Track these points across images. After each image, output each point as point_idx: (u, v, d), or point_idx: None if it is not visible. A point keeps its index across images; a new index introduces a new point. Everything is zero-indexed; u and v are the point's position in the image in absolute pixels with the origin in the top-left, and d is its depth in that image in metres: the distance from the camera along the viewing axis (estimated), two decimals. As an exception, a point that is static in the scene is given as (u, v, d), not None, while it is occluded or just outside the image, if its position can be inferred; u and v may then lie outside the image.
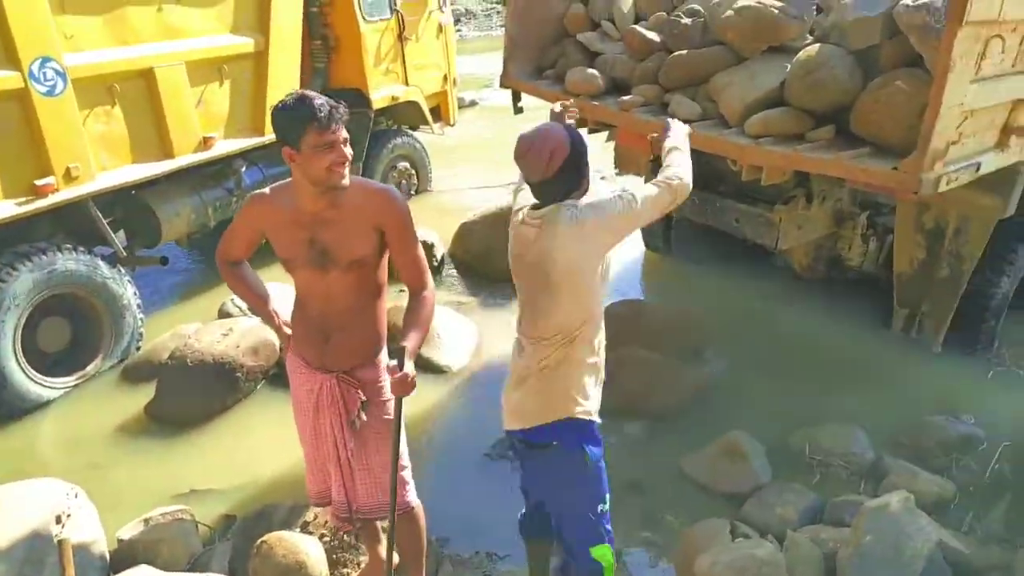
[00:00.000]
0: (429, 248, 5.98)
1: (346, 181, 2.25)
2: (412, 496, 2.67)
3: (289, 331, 2.59)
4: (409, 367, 2.21)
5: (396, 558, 2.98)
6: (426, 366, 4.58)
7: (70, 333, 4.64)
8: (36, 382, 4.36)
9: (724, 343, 4.61)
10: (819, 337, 4.60)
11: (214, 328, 4.60)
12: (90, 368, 4.64)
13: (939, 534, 2.68)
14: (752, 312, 4.98)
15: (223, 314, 5.13)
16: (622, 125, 4.22)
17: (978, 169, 3.14)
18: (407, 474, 2.70)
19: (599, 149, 4.90)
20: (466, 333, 4.99)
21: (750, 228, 4.10)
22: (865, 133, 3.29)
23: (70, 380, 4.55)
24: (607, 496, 2.34)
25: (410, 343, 2.28)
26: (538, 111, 4.17)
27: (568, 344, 2.22)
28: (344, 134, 2.20)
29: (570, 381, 2.25)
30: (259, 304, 2.58)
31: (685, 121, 3.84)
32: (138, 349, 4.87)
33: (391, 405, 2.59)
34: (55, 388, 4.47)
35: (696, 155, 4.35)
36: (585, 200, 2.17)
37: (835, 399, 3.94)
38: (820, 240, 4.52)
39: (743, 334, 4.71)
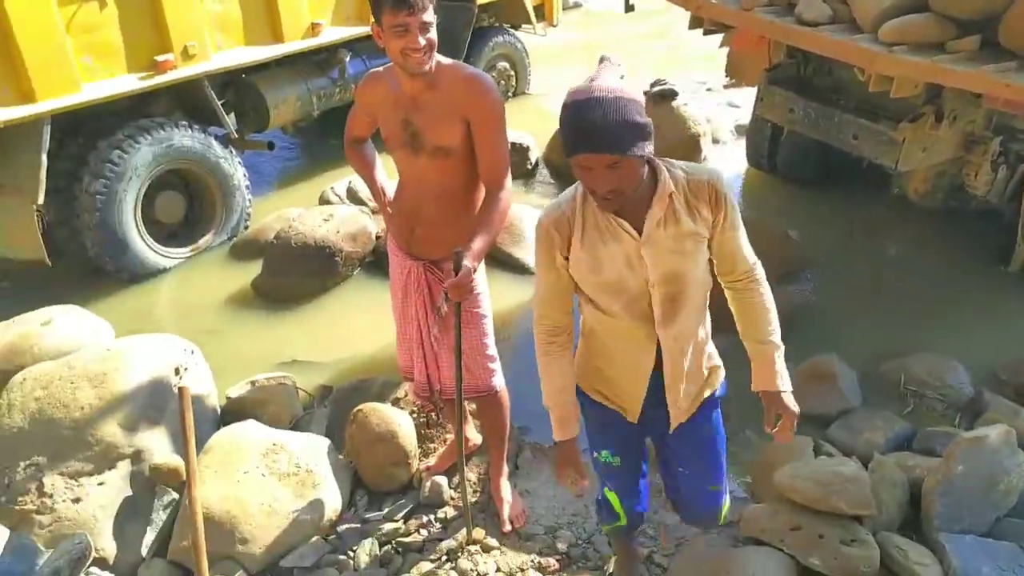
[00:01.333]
0: (524, 151, 5.94)
1: (426, 67, 2.21)
2: (498, 380, 2.76)
3: (389, 210, 2.66)
4: (468, 270, 2.18)
5: (479, 439, 3.13)
6: (514, 265, 4.65)
7: (185, 207, 4.92)
8: (154, 251, 4.68)
9: (822, 267, 4.45)
10: (925, 269, 4.37)
11: (315, 213, 4.77)
12: (202, 242, 4.93)
13: (1037, 473, 2.59)
14: (858, 238, 4.76)
15: (324, 201, 5.31)
16: (740, 26, 3.98)
17: None
18: (494, 364, 2.79)
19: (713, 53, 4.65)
20: (556, 237, 5.00)
21: (869, 146, 3.86)
22: (1014, 46, 3.00)
23: (184, 252, 4.86)
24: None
25: (474, 245, 2.26)
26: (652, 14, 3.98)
27: None
28: (424, 19, 2.13)
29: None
30: (371, 181, 2.66)
31: (812, 24, 3.61)
32: (246, 228, 5.13)
33: (480, 298, 2.66)
34: (171, 258, 4.78)
35: (819, 62, 4.12)
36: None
37: (936, 332, 3.77)
38: (943, 165, 4.23)
39: (843, 259, 4.53)
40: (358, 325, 4.17)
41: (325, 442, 3.01)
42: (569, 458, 1.96)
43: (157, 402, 2.92)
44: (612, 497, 2.15)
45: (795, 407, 1.90)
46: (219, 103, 4.95)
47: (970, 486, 2.44)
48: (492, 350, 2.75)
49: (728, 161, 5.90)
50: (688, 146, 5.65)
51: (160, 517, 2.72)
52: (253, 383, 3.41)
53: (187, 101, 4.93)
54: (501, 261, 4.65)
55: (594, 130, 1.48)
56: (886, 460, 2.63)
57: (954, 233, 4.56)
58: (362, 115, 2.54)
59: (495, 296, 2.74)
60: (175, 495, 2.75)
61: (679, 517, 2.34)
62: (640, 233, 1.68)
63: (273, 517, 2.68)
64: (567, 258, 1.75)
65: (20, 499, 2.61)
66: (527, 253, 4.72)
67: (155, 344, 3.14)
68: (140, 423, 2.82)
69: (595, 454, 2.10)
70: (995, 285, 4.11)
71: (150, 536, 2.67)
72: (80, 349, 3.20)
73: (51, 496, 2.62)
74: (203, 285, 4.63)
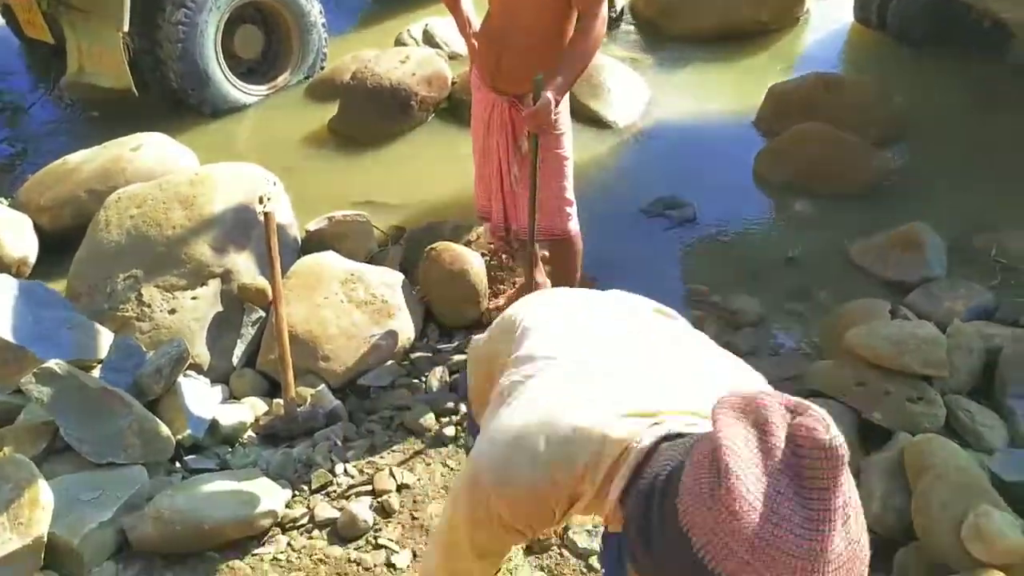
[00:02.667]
0: (609, -4, 5.61)
1: None
2: (573, 224, 2.76)
3: (475, 43, 2.59)
4: (548, 101, 2.12)
5: (549, 283, 3.19)
6: (592, 119, 4.51)
7: (263, 43, 4.89)
8: (233, 85, 4.71)
9: (923, 133, 4.19)
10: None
11: (392, 55, 4.68)
12: (280, 80, 4.93)
13: (1126, 351, 2.49)
14: (963, 107, 4.42)
15: (399, 43, 5.19)
16: None
17: None
18: (571, 208, 2.78)
19: None
20: (637, 90, 4.80)
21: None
22: None
23: (262, 89, 4.88)
24: None
25: (559, 76, 2.18)
26: None
27: None
28: None
29: None
30: (456, 11, 2.57)
31: None
32: (322, 68, 5.08)
33: (562, 139, 2.61)
34: (250, 94, 4.81)
35: None
36: None
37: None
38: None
39: (949, 127, 4.23)
40: (431, 170, 4.18)
41: (399, 277, 3.12)
42: None
43: (243, 226, 3.04)
44: None
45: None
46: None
47: (1052, 356, 2.38)
48: (570, 194, 2.73)
49: (832, 14, 5.46)
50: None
51: (249, 332, 2.90)
52: (330, 218, 3.50)
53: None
54: (576, 112, 4.52)
55: None
56: (965, 326, 2.57)
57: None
58: None
59: (578, 146, 2.69)
60: (262, 313, 2.92)
61: None
62: None
63: (352, 340, 2.83)
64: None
65: (121, 307, 2.82)
66: (605, 106, 4.57)
67: (240, 171, 3.23)
68: (228, 245, 2.96)
69: None
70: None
71: (240, 348, 2.87)
72: (168, 174, 3.32)
73: (149, 306, 2.82)
74: (281, 123, 4.67)
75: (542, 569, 2.10)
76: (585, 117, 4.52)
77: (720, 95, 4.86)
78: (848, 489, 0.70)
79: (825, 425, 0.69)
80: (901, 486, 2.05)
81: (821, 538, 0.66)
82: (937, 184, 3.82)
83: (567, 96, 2.49)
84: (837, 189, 3.72)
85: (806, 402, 0.73)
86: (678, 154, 4.28)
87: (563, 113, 2.57)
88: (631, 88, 4.77)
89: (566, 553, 2.12)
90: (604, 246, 3.47)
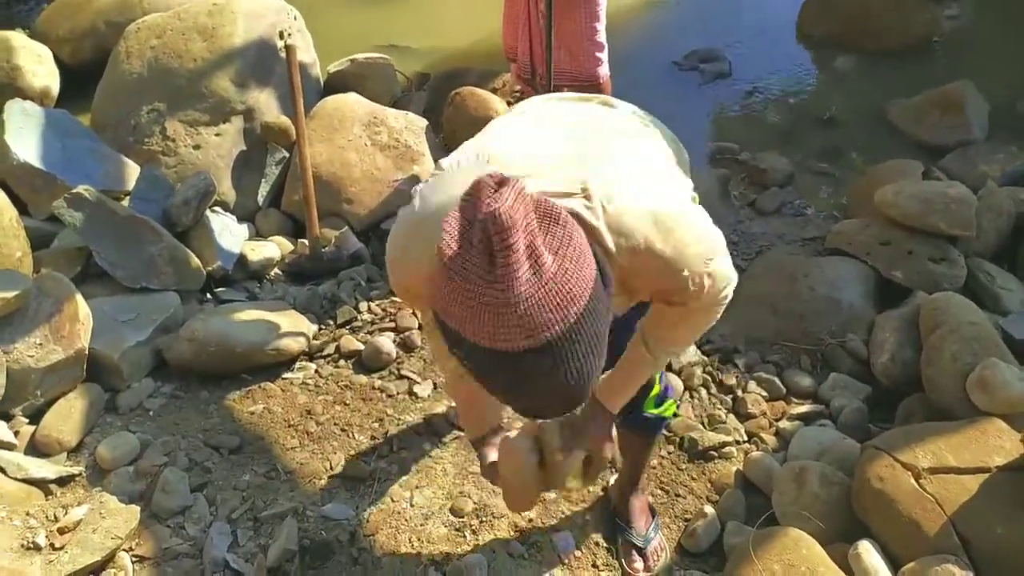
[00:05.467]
0: None
1: None
2: (603, 70, 2.67)
3: None
4: None
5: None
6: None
7: None
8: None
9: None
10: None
11: None
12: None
13: None
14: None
15: None
16: None
17: None
18: (602, 53, 2.67)
19: None
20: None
21: None
22: None
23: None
24: None
25: None
26: None
27: None
28: None
29: None
30: None
31: None
32: None
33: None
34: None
35: None
36: None
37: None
38: None
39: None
40: (457, 13, 4.02)
41: (423, 122, 3.06)
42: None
43: (265, 62, 2.97)
44: None
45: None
46: None
47: (1085, 222, 2.34)
48: (602, 37, 2.62)
49: None
50: None
51: (273, 172, 2.91)
52: (353, 60, 3.40)
53: None
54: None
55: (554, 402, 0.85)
56: (998, 189, 2.52)
57: None
58: None
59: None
60: (285, 153, 2.91)
61: None
62: None
63: (375, 183, 2.83)
64: None
65: (146, 140, 2.82)
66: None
67: (261, 2, 3.10)
68: (250, 81, 2.90)
69: None
70: None
71: (264, 188, 2.88)
72: (187, 3, 3.20)
73: (173, 140, 2.81)
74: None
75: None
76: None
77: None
78: (532, 249, 0.76)
79: (502, 197, 0.75)
80: (912, 340, 2.09)
81: (501, 286, 0.75)
82: (990, 44, 3.62)
83: None
84: (884, 45, 3.54)
85: (512, 177, 0.78)
86: (718, 2, 4.05)
87: None
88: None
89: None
90: (632, 98, 3.36)
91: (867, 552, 1.61)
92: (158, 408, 2.11)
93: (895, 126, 3.25)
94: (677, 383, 2.24)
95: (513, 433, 1.25)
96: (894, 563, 1.61)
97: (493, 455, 1.30)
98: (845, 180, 3.04)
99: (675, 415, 2.07)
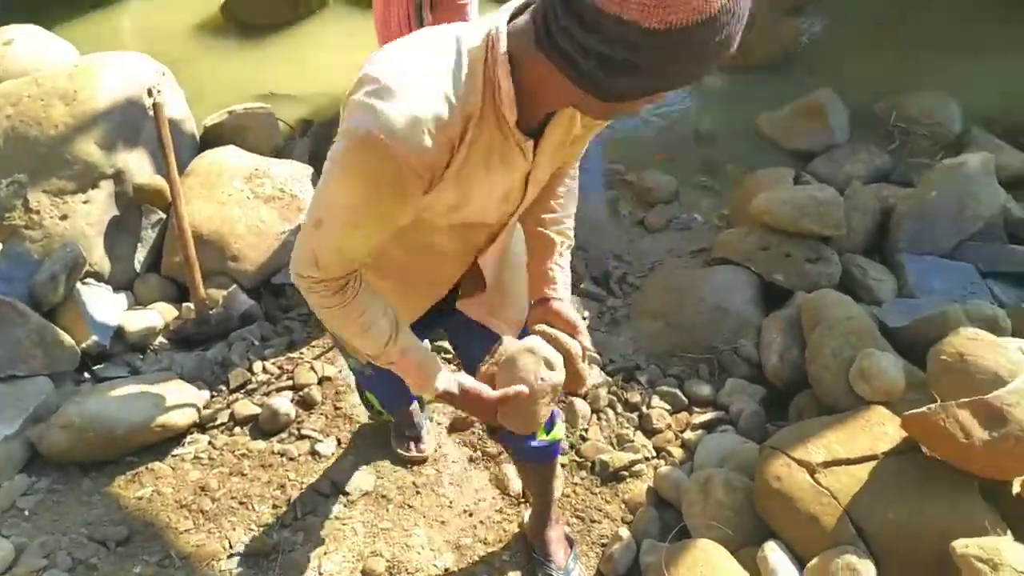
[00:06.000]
0: None
1: None
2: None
3: None
4: None
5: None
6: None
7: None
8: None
9: (829, 1, 4.18)
10: (942, 6, 4.11)
11: (284, -69, 4.33)
12: (162, -36, 4.53)
13: (1008, 203, 2.65)
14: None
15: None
16: None
17: None
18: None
19: None
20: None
21: None
22: None
23: (144, -26, 4.48)
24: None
25: None
26: None
27: None
28: None
29: None
30: None
31: None
32: (208, -52, 4.68)
33: (469, 8, 2.49)
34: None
35: None
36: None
37: (936, 72, 3.64)
38: None
39: (856, -5, 4.24)
40: (337, 56, 3.98)
41: (308, 169, 3.01)
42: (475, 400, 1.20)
43: (132, 122, 2.85)
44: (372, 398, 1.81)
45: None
46: None
47: (939, 210, 2.50)
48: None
49: None
50: None
51: (149, 235, 2.78)
52: (231, 112, 3.31)
53: None
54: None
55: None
56: (862, 188, 2.67)
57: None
58: None
59: None
60: (162, 214, 2.79)
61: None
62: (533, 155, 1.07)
63: (262, 237, 2.75)
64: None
65: (7, 215, 2.64)
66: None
67: (125, 62, 2.99)
68: (117, 143, 2.77)
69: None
70: (1002, 31, 3.90)
71: (141, 253, 2.75)
72: (45, 69, 3.05)
73: (37, 212, 2.65)
74: (169, 9, 4.33)
75: (466, 445, 2.18)
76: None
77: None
78: None
79: None
80: (797, 339, 2.17)
81: None
82: (844, 51, 3.87)
83: None
84: (750, 61, 3.72)
85: None
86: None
87: None
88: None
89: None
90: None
91: (772, 552, 1.64)
92: (34, 506, 1.95)
93: (766, 136, 3.41)
94: (584, 407, 2.25)
95: (512, 345, 1.17)
96: (800, 560, 1.65)
97: (486, 389, 1.16)
98: (725, 191, 3.16)
99: (568, 437, 2.09)
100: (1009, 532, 1.52)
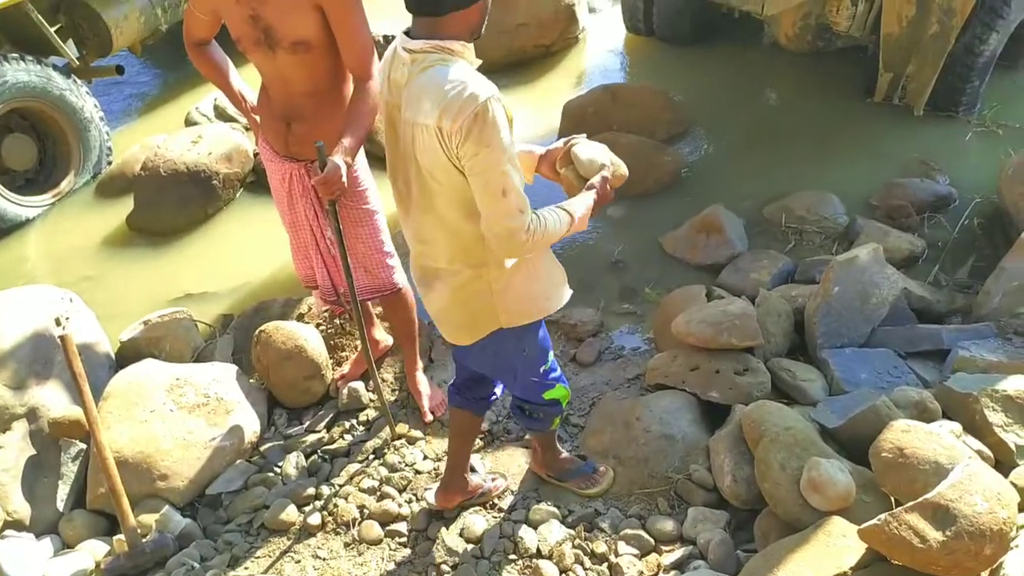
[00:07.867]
0: (390, 42, 5.67)
1: None
2: (399, 276, 2.74)
3: (256, 117, 2.52)
4: (335, 166, 2.08)
5: (390, 339, 3.14)
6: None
7: (37, 151, 4.52)
8: (11, 201, 4.30)
9: (707, 123, 4.54)
10: (802, 112, 4.53)
11: (183, 137, 4.47)
12: (64, 185, 4.56)
13: (905, 283, 2.81)
14: (737, 91, 4.85)
15: (189, 122, 4.97)
16: None
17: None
18: (392, 260, 2.76)
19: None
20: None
21: (734, -5, 3.87)
22: None
23: (46, 199, 4.50)
24: (550, 354, 2.08)
25: (345, 140, 2.16)
26: None
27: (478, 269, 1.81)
28: None
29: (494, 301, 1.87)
30: (226, 87, 2.49)
31: None
32: (109, 163, 4.77)
33: (366, 194, 2.59)
34: (32, 207, 4.41)
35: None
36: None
37: (814, 171, 3.95)
38: (807, 5, 4.30)
39: (726, 113, 4.62)
40: (250, 247, 4.02)
41: (232, 368, 2.96)
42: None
43: (43, 356, 2.77)
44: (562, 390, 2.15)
45: None
46: (51, 29, 4.46)
47: (846, 304, 2.63)
48: (389, 246, 2.71)
49: (606, 28, 5.82)
50: (564, 17, 5.52)
51: (71, 470, 2.64)
52: (146, 323, 3.27)
53: (14, 31, 4.42)
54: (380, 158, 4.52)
55: None
56: (770, 294, 2.80)
57: (825, 73, 4.71)
58: (199, 13, 2.34)
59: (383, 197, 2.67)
60: (82, 446, 2.66)
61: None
62: None
63: (190, 449, 2.64)
64: None
65: (-89, 478, 2.48)
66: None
67: (29, 296, 2.94)
68: (28, 379, 2.68)
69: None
70: (864, 118, 4.30)
71: (64, 490, 2.60)
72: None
73: (-55, 469, 2.49)
74: (73, 231, 4.32)
75: None
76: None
77: (520, 120, 5.01)
78: None
79: None
80: (745, 456, 2.18)
81: None
82: (726, 167, 4.16)
83: (361, 151, 2.48)
84: (643, 188, 3.95)
85: None
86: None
87: (360, 169, 2.55)
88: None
89: None
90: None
91: None
92: None
93: (673, 255, 3.57)
94: (552, 569, 2.17)
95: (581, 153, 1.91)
96: None
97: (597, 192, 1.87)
98: (647, 315, 3.25)
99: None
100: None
